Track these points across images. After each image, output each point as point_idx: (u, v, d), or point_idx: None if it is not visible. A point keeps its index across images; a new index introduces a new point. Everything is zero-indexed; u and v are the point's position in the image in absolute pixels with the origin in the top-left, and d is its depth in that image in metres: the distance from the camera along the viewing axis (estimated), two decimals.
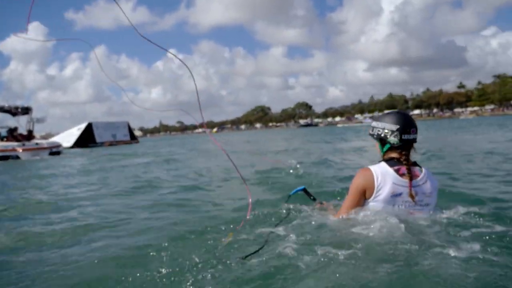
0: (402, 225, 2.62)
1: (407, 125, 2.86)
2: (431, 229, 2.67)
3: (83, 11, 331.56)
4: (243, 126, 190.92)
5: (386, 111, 3.11)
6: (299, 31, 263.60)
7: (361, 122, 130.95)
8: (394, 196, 2.76)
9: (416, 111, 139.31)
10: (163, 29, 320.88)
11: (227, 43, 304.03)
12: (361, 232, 2.66)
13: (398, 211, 2.77)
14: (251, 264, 2.48)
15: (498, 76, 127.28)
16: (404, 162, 2.82)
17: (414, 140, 2.89)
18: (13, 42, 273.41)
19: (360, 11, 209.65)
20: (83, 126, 50.45)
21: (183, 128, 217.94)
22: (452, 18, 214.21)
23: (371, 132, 3.01)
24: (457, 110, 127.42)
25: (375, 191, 2.77)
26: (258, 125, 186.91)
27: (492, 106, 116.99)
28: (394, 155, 2.89)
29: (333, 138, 27.63)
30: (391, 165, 2.82)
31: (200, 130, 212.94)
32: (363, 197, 2.84)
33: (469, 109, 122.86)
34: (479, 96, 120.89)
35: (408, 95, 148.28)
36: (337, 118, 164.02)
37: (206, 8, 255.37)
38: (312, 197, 3.69)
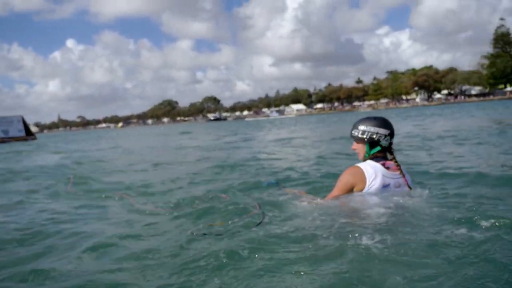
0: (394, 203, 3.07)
1: (393, 131, 3.36)
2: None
3: None
4: (150, 121, 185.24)
5: (369, 116, 3.43)
6: (206, 24, 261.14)
7: (268, 116, 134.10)
8: (384, 187, 3.22)
9: (319, 105, 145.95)
10: (61, 17, 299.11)
11: (132, 35, 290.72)
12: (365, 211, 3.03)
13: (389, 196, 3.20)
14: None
15: (391, 72, 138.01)
16: (394, 161, 3.33)
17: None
18: None
19: (266, 7, 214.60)
20: None
21: (85, 123, 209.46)
22: (350, 16, 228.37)
23: (361, 135, 3.34)
24: (356, 103, 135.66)
25: (367, 185, 3.19)
26: (165, 119, 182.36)
27: (386, 100, 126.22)
28: (379, 155, 3.33)
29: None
30: (377, 161, 3.27)
31: (104, 125, 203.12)
32: (351, 192, 3.27)
33: (366, 102, 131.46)
34: (375, 91, 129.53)
35: (311, 89, 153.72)
36: (245, 112, 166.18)
37: None
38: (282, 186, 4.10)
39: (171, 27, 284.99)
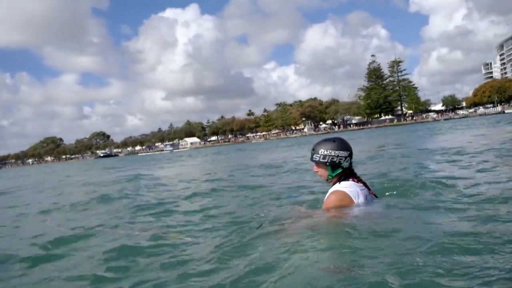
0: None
1: (352, 151, 3.49)
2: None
3: None
4: (30, 160, 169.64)
5: (327, 139, 3.52)
6: (93, 58, 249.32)
7: (162, 150, 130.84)
8: (365, 198, 3.39)
9: (213, 137, 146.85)
10: None
11: (8, 68, 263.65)
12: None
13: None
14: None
15: (279, 104, 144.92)
16: (357, 177, 3.51)
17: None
18: None
19: (156, 42, 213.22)
20: None
21: None
22: (239, 52, 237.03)
23: (322, 159, 3.44)
24: (249, 135, 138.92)
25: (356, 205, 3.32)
26: (48, 158, 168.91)
27: (277, 131, 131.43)
28: (342, 174, 3.45)
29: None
30: (347, 179, 3.44)
31: None
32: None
33: (259, 134, 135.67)
34: (266, 122, 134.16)
35: (205, 122, 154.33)
36: (138, 147, 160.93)
37: None
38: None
39: (55, 60, 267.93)
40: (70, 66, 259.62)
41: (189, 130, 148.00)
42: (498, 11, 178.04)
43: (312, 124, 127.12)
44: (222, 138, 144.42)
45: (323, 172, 3.52)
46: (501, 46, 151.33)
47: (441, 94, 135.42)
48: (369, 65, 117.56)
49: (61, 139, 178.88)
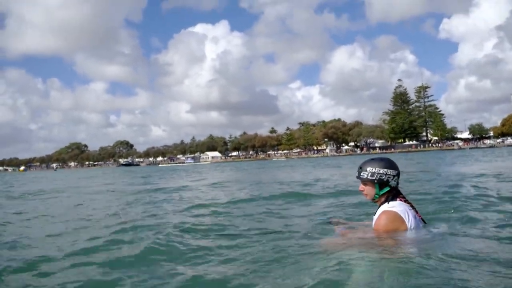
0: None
1: (399, 171, 3.51)
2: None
3: None
4: (54, 165, 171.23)
5: (375, 158, 3.56)
6: (123, 68, 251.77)
7: (183, 163, 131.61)
8: (414, 218, 3.35)
9: (234, 153, 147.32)
10: None
11: (41, 73, 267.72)
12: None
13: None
14: None
15: (302, 124, 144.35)
16: (404, 197, 3.47)
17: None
18: None
19: (185, 56, 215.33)
20: None
21: None
22: (266, 70, 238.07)
23: (370, 177, 3.44)
24: (270, 152, 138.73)
25: (408, 225, 3.29)
26: (72, 163, 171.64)
27: (298, 150, 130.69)
28: (389, 194, 3.44)
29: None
30: (395, 199, 3.42)
31: (0, 167, 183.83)
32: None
33: (280, 152, 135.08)
34: (288, 141, 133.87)
35: (227, 137, 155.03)
36: (159, 158, 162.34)
37: (19, 32, 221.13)
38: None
39: (85, 68, 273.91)
40: (99, 75, 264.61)
41: (211, 144, 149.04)
42: None
43: (334, 145, 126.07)
44: (243, 154, 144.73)
45: (369, 191, 3.49)
46: None
47: (468, 122, 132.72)
48: (395, 89, 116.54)
49: (85, 146, 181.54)
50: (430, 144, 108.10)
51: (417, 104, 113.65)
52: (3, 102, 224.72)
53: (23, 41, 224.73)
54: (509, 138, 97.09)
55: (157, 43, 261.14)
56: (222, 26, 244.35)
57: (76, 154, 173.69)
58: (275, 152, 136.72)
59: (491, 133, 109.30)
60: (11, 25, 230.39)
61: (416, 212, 3.48)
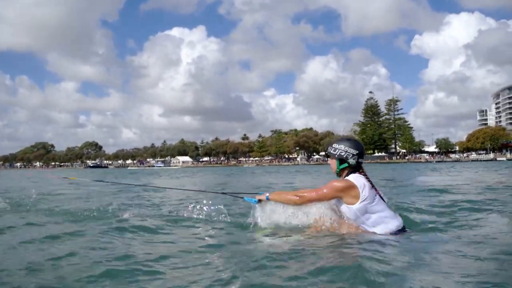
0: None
1: (363, 151, 3.86)
2: None
3: None
4: (18, 164, 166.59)
5: (343, 137, 3.98)
6: (96, 68, 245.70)
7: (153, 166, 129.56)
8: (371, 189, 3.67)
9: (206, 158, 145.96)
10: None
11: (10, 70, 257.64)
12: None
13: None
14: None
15: (275, 131, 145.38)
16: (366, 175, 3.79)
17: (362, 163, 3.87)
18: None
19: (160, 59, 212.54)
20: None
21: None
22: (241, 76, 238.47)
23: (332, 151, 3.88)
24: (241, 159, 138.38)
25: (360, 195, 3.61)
26: (37, 163, 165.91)
27: (270, 157, 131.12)
28: (348, 170, 3.83)
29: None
30: (355, 172, 3.81)
31: None
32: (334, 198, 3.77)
33: (251, 159, 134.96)
34: (260, 148, 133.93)
35: (199, 142, 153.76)
36: (129, 161, 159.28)
37: None
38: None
39: (57, 67, 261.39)
40: (71, 74, 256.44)
41: (183, 148, 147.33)
42: (495, 61, 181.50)
43: (305, 154, 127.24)
44: (215, 159, 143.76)
45: (333, 165, 3.94)
46: (497, 95, 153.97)
47: (435, 137, 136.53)
48: (366, 101, 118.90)
49: (52, 146, 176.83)
50: (398, 156, 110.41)
51: (387, 116, 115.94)
52: None
53: None
54: (473, 153, 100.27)
55: (133, 44, 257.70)
56: (199, 31, 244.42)
57: (41, 154, 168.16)
58: (247, 159, 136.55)
59: (457, 148, 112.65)
60: None
61: (376, 190, 3.73)
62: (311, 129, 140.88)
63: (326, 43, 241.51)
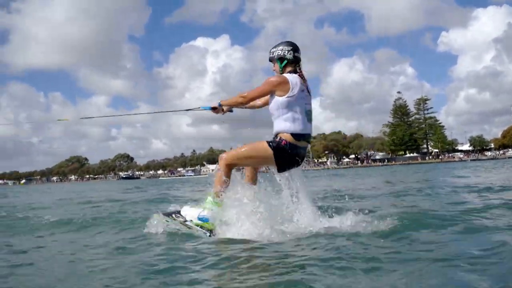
0: None
1: (297, 47, 4.50)
2: None
3: None
4: (54, 178, 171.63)
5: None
6: (125, 82, 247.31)
7: (183, 175, 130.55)
8: (302, 91, 4.31)
9: None
10: None
11: (43, 87, 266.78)
12: None
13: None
14: None
15: None
16: (298, 71, 4.43)
17: (300, 59, 4.50)
18: None
19: (186, 70, 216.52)
20: None
21: None
22: None
23: (271, 55, 4.48)
24: None
25: (290, 91, 4.20)
26: (73, 177, 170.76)
27: None
28: (290, 68, 4.41)
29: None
30: (294, 73, 4.38)
31: (1, 181, 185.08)
32: (271, 93, 4.34)
33: None
34: None
35: (227, 150, 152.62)
36: (160, 171, 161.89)
37: (22, 47, 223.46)
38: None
39: (88, 82, 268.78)
40: (102, 88, 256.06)
41: (212, 157, 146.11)
42: None
43: (335, 158, 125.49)
44: None
45: (276, 67, 4.50)
46: None
47: (468, 134, 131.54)
48: (395, 101, 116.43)
49: (86, 159, 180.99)
50: (430, 156, 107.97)
51: (417, 116, 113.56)
52: (5, 116, 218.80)
53: (26, 56, 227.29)
54: (510, 150, 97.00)
55: (159, 57, 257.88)
56: (223, 40, 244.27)
57: (76, 167, 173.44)
58: None
59: (492, 145, 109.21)
60: (16, 41, 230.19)
61: (308, 92, 4.46)
62: (339, 132, 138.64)
63: (350, 44, 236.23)
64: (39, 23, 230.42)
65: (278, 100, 4.20)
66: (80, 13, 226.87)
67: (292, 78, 4.26)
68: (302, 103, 4.26)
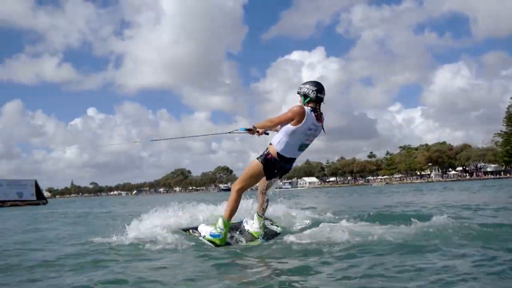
0: None
1: (322, 88, 5.16)
2: None
3: (1, 63, 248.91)
4: (161, 189, 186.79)
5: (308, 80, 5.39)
6: (224, 97, 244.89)
7: (280, 188, 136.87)
8: (310, 129, 5.06)
9: (332, 178, 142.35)
10: (89, 88, 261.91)
11: (152, 105, 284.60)
12: None
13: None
14: None
15: (403, 148, 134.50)
16: (318, 111, 5.12)
17: (323, 99, 5.17)
18: None
19: (282, 83, 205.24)
20: None
21: (97, 190, 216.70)
22: (363, 93, 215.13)
23: (299, 90, 5.20)
24: (369, 177, 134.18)
25: (303, 122, 4.95)
26: (177, 188, 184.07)
27: (399, 175, 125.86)
28: (311, 105, 5.09)
29: None
30: (312, 111, 5.06)
31: (115, 192, 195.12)
32: (290, 121, 5.00)
33: (380, 177, 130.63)
34: (388, 166, 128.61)
35: (324, 162, 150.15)
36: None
37: (135, 70, 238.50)
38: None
39: (191, 99, 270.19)
40: (203, 105, 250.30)
41: (309, 169, 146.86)
42: None
43: (440, 170, 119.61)
44: (341, 179, 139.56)
45: (300, 101, 5.17)
46: None
47: None
48: (508, 108, 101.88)
49: (189, 171, 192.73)
50: None
51: None
52: (119, 132, 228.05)
53: (138, 77, 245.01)
54: None
55: (256, 72, 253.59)
56: (319, 52, 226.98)
57: (180, 179, 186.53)
58: (375, 178, 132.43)
59: None
60: (129, 64, 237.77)
61: (323, 129, 5.24)
62: (444, 143, 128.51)
63: (454, 49, 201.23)
64: (148, 47, 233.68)
65: (288, 126, 4.98)
66: (182, 36, 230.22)
67: (309, 114, 4.97)
68: (302, 137, 5.03)
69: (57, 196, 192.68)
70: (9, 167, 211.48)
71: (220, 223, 5.25)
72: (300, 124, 4.92)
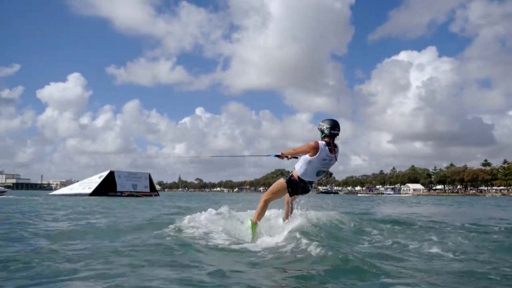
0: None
1: (335, 126, 6.01)
2: None
3: (124, 67, 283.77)
4: (261, 188, 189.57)
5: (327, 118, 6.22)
6: (327, 99, 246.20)
7: (382, 193, 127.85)
8: (324, 160, 5.93)
9: (439, 186, 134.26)
10: (198, 89, 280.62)
11: (255, 106, 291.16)
12: None
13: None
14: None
15: None
16: (331, 145, 5.95)
17: (337, 134, 6.01)
18: (51, 90, 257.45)
19: (388, 85, 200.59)
20: (104, 174, 49.74)
21: (202, 186, 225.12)
22: (479, 96, 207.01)
23: (318, 127, 6.12)
24: (482, 187, 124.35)
25: (318, 154, 5.85)
26: None
27: None
28: (326, 139, 5.99)
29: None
30: (326, 145, 5.93)
31: (218, 188, 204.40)
32: (307, 153, 5.94)
33: (495, 188, 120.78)
34: (505, 175, 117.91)
35: (431, 169, 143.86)
36: (357, 187, 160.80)
37: (241, 72, 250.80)
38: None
39: (293, 100, 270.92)
40: (305, 106, 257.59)
41: (413, 175, 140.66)
42: None
43: None
44: (450, 188, 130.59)
45: (319, 135, 6.12)
46: None
47: None
48: None
49: (288, 172, 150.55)
50: None
51: None
52: (224, 131, 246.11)
53: (243, 79, 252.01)
54: None
55: (360, 74, 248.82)
56: (429, 52, 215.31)
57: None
58: (489, 188, 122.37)
59: None
60: (236, 66, 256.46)
61: (336, 159, 6.06)
62: None
63: None
64: (254, 49, 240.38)
65: (306, 156, 5.94)
66: (288, 38, 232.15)
67: (323, 147, 5.85)
68: (318, 165, 5.94)
69: (166, 190, 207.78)
70: (126, 160, 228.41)
71: (248, 223, 6.46)
72: (315, 156, 5.86)
